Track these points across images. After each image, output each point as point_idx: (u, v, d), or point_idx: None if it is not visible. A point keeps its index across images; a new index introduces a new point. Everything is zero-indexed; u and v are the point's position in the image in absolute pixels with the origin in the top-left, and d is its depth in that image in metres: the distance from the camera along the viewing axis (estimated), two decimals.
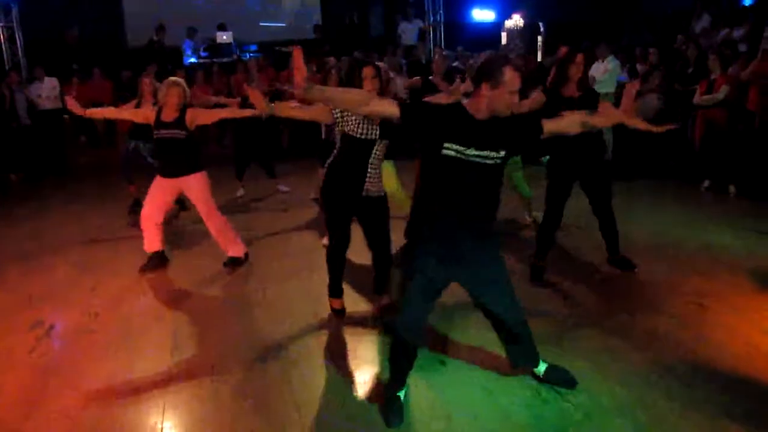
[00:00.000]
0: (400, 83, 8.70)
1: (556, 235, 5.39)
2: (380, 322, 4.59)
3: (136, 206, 7.60)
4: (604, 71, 9.50)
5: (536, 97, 5.12)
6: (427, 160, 3.25)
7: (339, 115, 4.24)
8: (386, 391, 3.54)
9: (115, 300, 5.34)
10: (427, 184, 3.30)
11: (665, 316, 4.49)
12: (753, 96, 7.89)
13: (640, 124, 4.59)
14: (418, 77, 9.04)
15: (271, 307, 5.02)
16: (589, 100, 5.05)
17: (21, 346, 4.52)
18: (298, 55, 3.19)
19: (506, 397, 3.55)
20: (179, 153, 5.68)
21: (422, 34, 15.37)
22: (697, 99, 8.14)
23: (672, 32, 10.71)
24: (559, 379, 3.63)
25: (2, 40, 13.37)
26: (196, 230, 6.91)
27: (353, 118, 4.20)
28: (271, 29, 15.84)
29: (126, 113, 6.37)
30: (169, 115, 5.64)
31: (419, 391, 3.60)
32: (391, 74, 8.72)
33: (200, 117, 5.77)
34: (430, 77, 8.38)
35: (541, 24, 13.04)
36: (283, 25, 16.12)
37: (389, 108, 3.23)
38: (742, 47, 8.95)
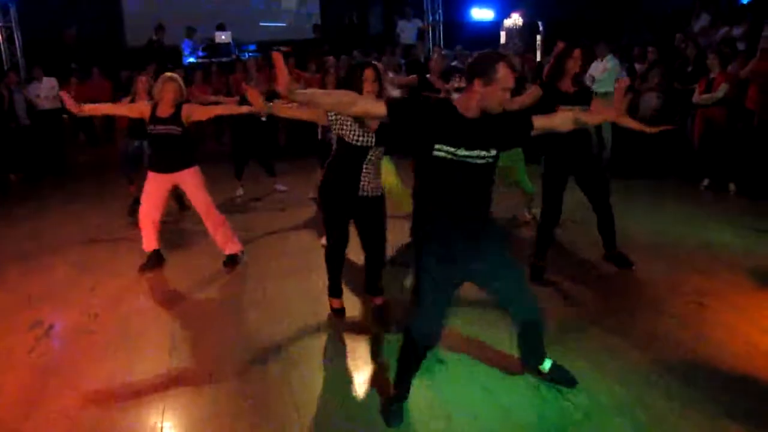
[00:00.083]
0: (391, 86, 8.68)
1: (555, 232, 5.40)
2: (380, 322, 4.60)
3: (136, 205, 7.59)
4: (603, 70, 9.50)
5: (533, 91, 5.14)
6: (419, 161, 3.24)
7: (334, 118, 4.24)
8: (393, 392, 3.49)
9: (114, 300, 5.33)
10: (421, 184, 3.30)
11: (665, 315, 4.49)
12: (752, 94, 7.89)
13: (631, 123, 4.60)
14: (414, 75, 9.04)
15: (270, 307, 5.01)
16: (583, 96, 5.08)
17: (20, 346, 4.52)
18: (278, 60, 3.19)
19: (506, 396, 3.55)
20: (174, 149, 5.68)
21: (421, 34, 15.36)
22: (696, 98, 8.14)
23: (671, 31, 10.70)
24: (561, 377, 3.63)
25: (1, 40, 13.37)
26: (195, 230, 6.91)
27: (348, 123, 4.20)
28: (270, 29, 15.85)
29: (122, 109, 6.37)
30: (164, 110, 5.63)
31: (419, 390, 3.59)
32: (390, 74, 8.75)
33: (196, 113, 5.76)
34: (427, 75, 8.38)
35: (540, 23, 13.03)
36: (283, 24, 16.13)
37: (376, 107, 3.22)
38: (741, 46, 8.94)
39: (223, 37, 14.27)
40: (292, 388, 3.76)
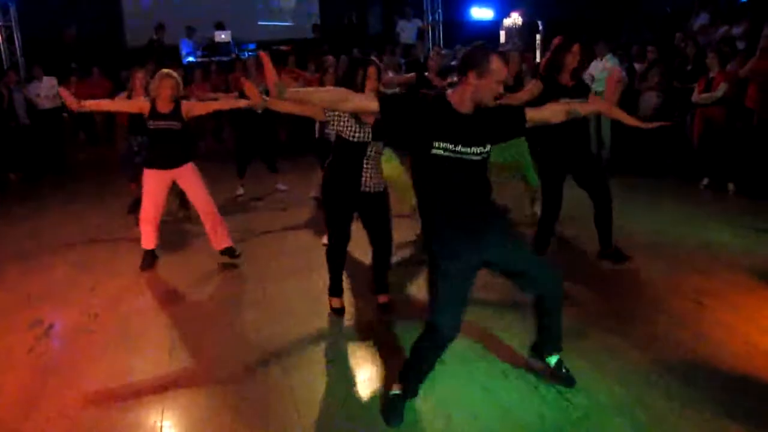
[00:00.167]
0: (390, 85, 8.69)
1: (555, 227, 5.41)
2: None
3: (136, 205, 7.59)
4: (603, 69, 9.50)
5: (532, 87, 5.14)
6: (417, 158, 3.24)
7: (331, 115, 4.25)
8: (398, 391, 3.46)
9: (114, 300, 5.33)
10: (421, 182, 3.29)
11: (664, 314, 4.49)
12: (752, 93, 7.88)
13: (623, 116, 4.60)
14: (412, 73, 9.05)
15: (271, 306, 5.01)
16: (581, 89, 5.11)
17: (20, 345, 4.52)
18: (265, 60, 3.18)
19: (506, 396, 3.55)
20: (175, 143, 5.69)
21: (421, 33, 15.36)
22: (695, 97, 8.14)
23: (671, 30, 10.70)
24: (561, 376, 3.63)
25: (0, 40, 13.36)
26: (194, 230, 6.91)
27: (345, 119, 4.21)
28: (269, 28, 15.85)
29: (121, 104, 6.38)
30: (164, 106, 5.64)
31: (419, 390, 3.60)
32: (390, 73, 8.75)
33: (196, 108, 5.82)
34: (426, 73, 8.38)
35: (539, 22, 13.04)
36: (282, 24, 16.12)
37: (369, 103, 3.23)
38: (741, 45, 8.93)
39: (222, 36, 14.28)
40: (292, 388, 3.76)
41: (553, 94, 4.83)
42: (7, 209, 8.95)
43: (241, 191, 8.67)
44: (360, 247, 4.77)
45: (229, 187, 8.56)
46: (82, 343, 4.58)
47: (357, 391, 3.72)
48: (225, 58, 13.95)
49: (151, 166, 5.74)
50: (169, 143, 5.67)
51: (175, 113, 5.64)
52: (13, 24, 13.46)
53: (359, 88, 4.24)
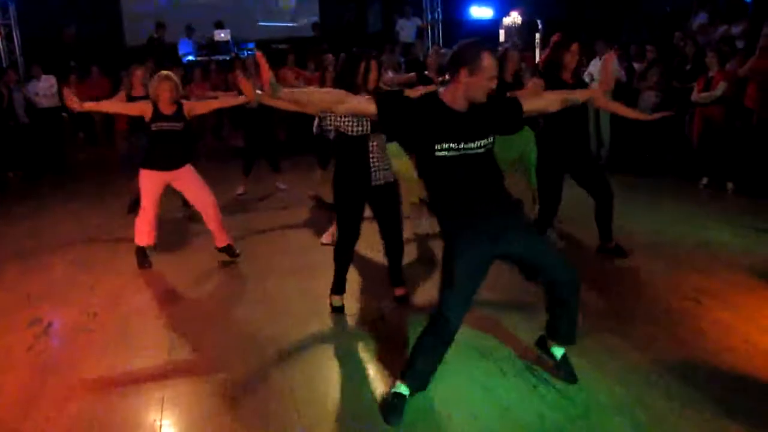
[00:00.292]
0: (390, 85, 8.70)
1: (554, 226, 5.42)
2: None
3: (136, 204, 7.58)
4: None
5: (533, 85, 5.15)
6: (422, 160, 3.24)
7: (326, 111, 4.25)
8: (404, 388, 3.44)
9: (113, 298, 5.33)
10: (430, 181, 3.29)
11: (664, 314, 4.49)
12: (751, 93, 7.88)
13: (621, 109, 4.60)
14: (413, 73, 9.05)
15: (271, 305, 5.01)
16: (581, 87, 5.12)
17: (19, 344, 4.52)
18: (261, 60, 3.18)
19: (506, 395, 3.55)
20: (176, 145, 5.70)
21: (420, 32, 15.35)
22: (694, 96, 8.14)
23: (670, 30, 10.70)
24: (564, 371, 3.64)
25: None
26: (194, 229, 6.93)
27: (342, 115, 4.21)
28: (269, 27, 15.83)
29: (123, 107, 6.37)
30: (166, 108, 5.64)
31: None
32: (390, 73, 8.75)
33: (197, 108, 5.87)
34: (426, 72, 8.37)
35: (539, 21, 13.03)
36: (282, 24, 16.11)
37: (366, 105, 3.22)
38: (740, 44, 8.94)
39: (222, 35, 14.26)
40: (292, 388, 3.75)
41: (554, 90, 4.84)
42: (7, 208, 8.95)
43: (241, 190, 8.67)
44: (361, 247, 4.76)
45: (230, 186, 8.55)
46: (82, 342, 4.58)
47: (357, 391, 3.71)
48: (224, 57, 13.93)
49: (150, 166, 5.72)
50: (170, 144, 5.68)
51: (178, 114, 5.66)
52: (12, 23, 13.44)
53: (362, 82, 4.24)
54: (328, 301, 4.77)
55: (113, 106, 6.43)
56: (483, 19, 14.70)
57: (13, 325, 4.86)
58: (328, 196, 7.68)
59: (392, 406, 3.39)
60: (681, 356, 3.88)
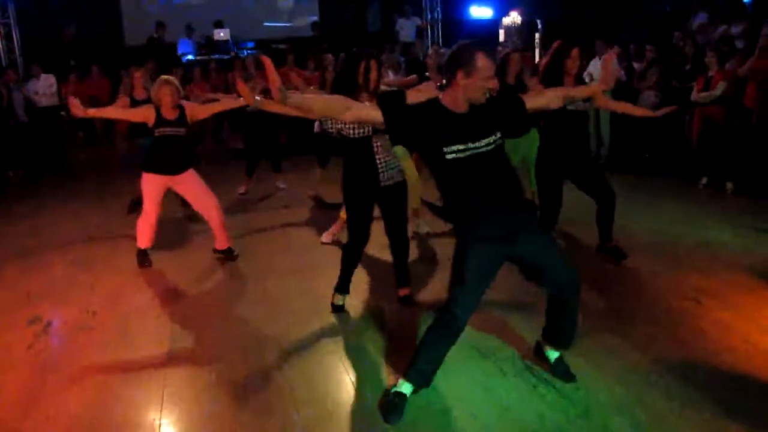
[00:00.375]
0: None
1: (555, 229, 5.42)
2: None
3: (136, 204, 7.59)
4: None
5: (541, 91, 5.14)
6: (433, 164, 3.24)
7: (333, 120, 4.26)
8: (408, 385, 3.44)
9: (113, 297, 5.33)
10: (442, 184, 3.29)
11: (664, 314, 4.49)
12: (750, 92, 7.88)
13: (626, 107, 4.59)
14: (414, 75, 9.05)
15: (271, 305, 5.01)
16: None
17: (19, 343, 4.52)
18: (268, 64, 3.17)
19: (505, 395, 3.55)
20: (179, 149, 5.70)
21: (420, 32, 15.35)
22: (694, 96, 8.14)
23: (670, 29, 10.71)
24: (561, 371, 3.65)
25: None
26: (194, 228, 6.94)
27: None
28: (268, 27, 15.83)
29: (126, 113, 6.35)
30: (169, 113, 5.64)
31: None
32: (390, 73, 8.75)
33: (198, 112, 5.85)
34: (426, 74, 8.37)
35: (538, 21, 13.03)
36: (281, 24, 16.11)
37: (372, 113, 3.22)
38: (740, 44, 8.94)
39: (221, 34, 14.25)
40: (292, 386, 3.76)
41: None
42: (7, 207, 8.95)
43: (243, 189, 8.67)
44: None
45: (231, 188, 8.54)
46: (81, 340, 4.58)
47: (358, 391, 3.71)
48: (224, 57, 13.93)
49: (152, 170, 5.71)
50: (173, 149, 5.68)
51: (181, 119, 5.67)
52: (12, 22, 13.42)
53: (362, 82, 4.24)
54: (329, 300, 4.77)
55: (116, 112, 6.42)
56: (483, 19, 14.71)
57: (13, 324, 4.86)
58: (328, 196, 7.71)
59: (393, 405, 3.39)
60: (681, 356, 3.88)
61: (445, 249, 5.90)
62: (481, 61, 3.10)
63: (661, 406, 3.36)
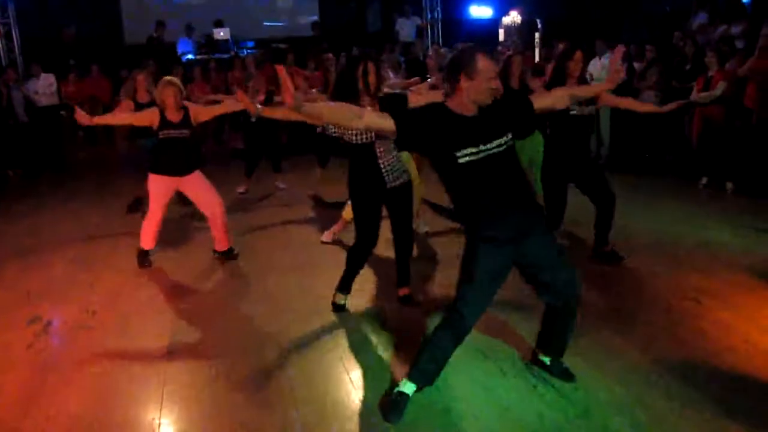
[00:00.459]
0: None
1: (559, 232, 5.42)
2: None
3: (136, 204, 7.59)
4: (602, 68, 9.51)
5: (542, 92, 5.16)
6: (444, 168, 3.24)
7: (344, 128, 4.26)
8: (412, 384, 3.44)
9: (113, 296, 5.33)
10: (453, 187, 3.29)
11: (664, 313, 4.49)
12: (750, 92, 7.88)
13: (634, 104, 4.58)
14: (416, 77, 9.06)
15: (271, 303, 5.01)
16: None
17: (19, 342, 4.52)
18: (282, 74, 3.17)
19: (506, 395, 3.55)
20: (185, 152, 5.70)
21: (420, 31, 15.35)
22: (694, 96, 8.14)
23: (670, 29, 10.71)
24: (559, 371, 3.65)
25: None
26: (195, 227, 6.94)
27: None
28: (268, 26, 15.83)
29: (131, 117, 6.34)
30: (173, 115, 5.64)
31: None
32: (391, 74, 8.76)
33: (201, 114, 5.84)
34: (427, 75, 8.38)
35: (538, 21, 13.04)
36: (281, 24, 16.12)
37: (384, 122, 3.21)
38: (740, 44, 8.94)
39: (221, 33, 14.25)
40: (292, 385, 3.76)
41: None
42: (7, 206, 8.94)
43: (243, 188, 8.67)
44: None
45: (232, 188, 8.52)
46: (81, 339, 4.58)
47: (358, 390, 3.71)
48: (224, 56, 13.92)
49: (162, 172, 5.71)
50: (178, 152, 5.67)
51: (185, 121, 5.67)
52: (12, 22, 13.41)
53: (363, 86, 4.24)
54: (329, 299, 4.77)
55: (122, 118, 6.44)
56: (482, 19, 14.72)
57: (13, 323, 4.86)
58: (328, 196, 7.72)
59: (394, 404, 3.39)
60: (681, 356, 3.88)
61: (444, 249, 5.91)
62: (482, 62, 3.11)
63: (661, 406, 3.37)
